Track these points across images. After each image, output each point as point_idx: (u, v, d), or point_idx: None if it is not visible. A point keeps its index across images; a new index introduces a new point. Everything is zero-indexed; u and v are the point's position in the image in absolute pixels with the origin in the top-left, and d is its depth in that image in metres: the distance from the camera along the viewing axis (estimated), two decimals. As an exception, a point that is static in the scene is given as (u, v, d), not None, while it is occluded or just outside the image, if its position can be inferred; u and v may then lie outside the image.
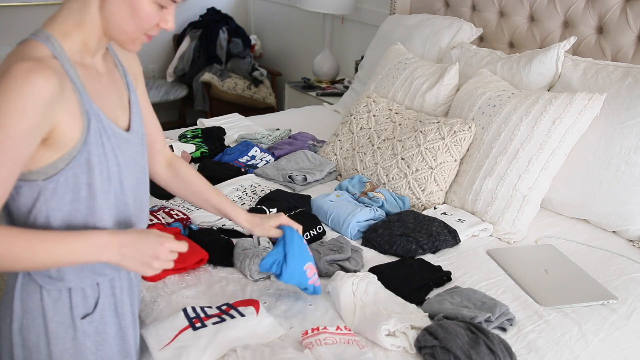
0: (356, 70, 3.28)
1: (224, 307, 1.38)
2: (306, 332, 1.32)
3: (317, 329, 1.31)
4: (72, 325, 1.11)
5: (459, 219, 1.90)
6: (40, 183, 1.00)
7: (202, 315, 1.34)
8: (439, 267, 1.64)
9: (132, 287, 1.23)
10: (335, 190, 2.08)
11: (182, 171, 1.39)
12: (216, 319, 1.33)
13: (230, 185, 2.09)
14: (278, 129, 2.68)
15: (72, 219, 1.06)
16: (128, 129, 1.13)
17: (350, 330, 1.34)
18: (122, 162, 1.09)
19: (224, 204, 1.41)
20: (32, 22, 3.89)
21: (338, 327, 1.32)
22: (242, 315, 1.35)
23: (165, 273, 1.55)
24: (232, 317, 1.34)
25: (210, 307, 1.39)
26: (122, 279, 1.18)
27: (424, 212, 1.95)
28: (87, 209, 1.06)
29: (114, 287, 1.16)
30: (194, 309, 1.36)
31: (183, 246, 1.09)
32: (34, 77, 0.91)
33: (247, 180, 2.15)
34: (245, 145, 2.39)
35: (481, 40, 2.66)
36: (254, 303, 1.40)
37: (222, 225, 1.81)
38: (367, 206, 1.92)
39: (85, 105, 1.01)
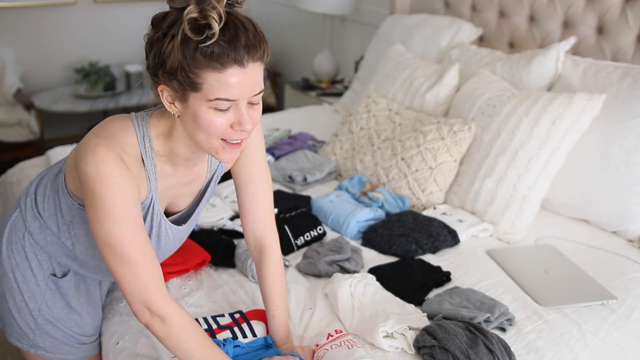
0: (356, 70, 3.27)
1: (237, 316, 1.36)
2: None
3: (316, 346, 1.29)
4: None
5: (459, 219, 1.90)
6: (77, 206, 1.19)
7: (214, 326, 1.32)
8: (439, 267, 1.64)
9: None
10: (335, 190, 2.08)
11: (265, 265, 1.34)
12: (227, 333, 1.30)
13: (231, 185, 2.09)
14: (278, 129, 2.67)
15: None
16: (185, 222, 1.28)
17: (341, 332, 1.31)
18: (160, 242, 1.25)
19: (272, 319, 1.34)
20: (34, 24, 3.92)
21: (329, 335, 1.29)
22: (253, 333, 1.32)
23: (167, 276, 1.55)
24: (243, 333, 1.31)
25: (223, 316, 1.36)
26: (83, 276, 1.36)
27: (424, 212, 1.95)
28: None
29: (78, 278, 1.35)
30: (205, 320, 1.34)
31: None
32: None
33: (247, 180, 2.15)
34: (245, 145, 2.39)
35: (481, 41, 2.66)
36: (265, 318, 1.37)
37: (223, 226, 1.81)
38: (367, 206, 1.92)
39: (152, 189, 1.15)
